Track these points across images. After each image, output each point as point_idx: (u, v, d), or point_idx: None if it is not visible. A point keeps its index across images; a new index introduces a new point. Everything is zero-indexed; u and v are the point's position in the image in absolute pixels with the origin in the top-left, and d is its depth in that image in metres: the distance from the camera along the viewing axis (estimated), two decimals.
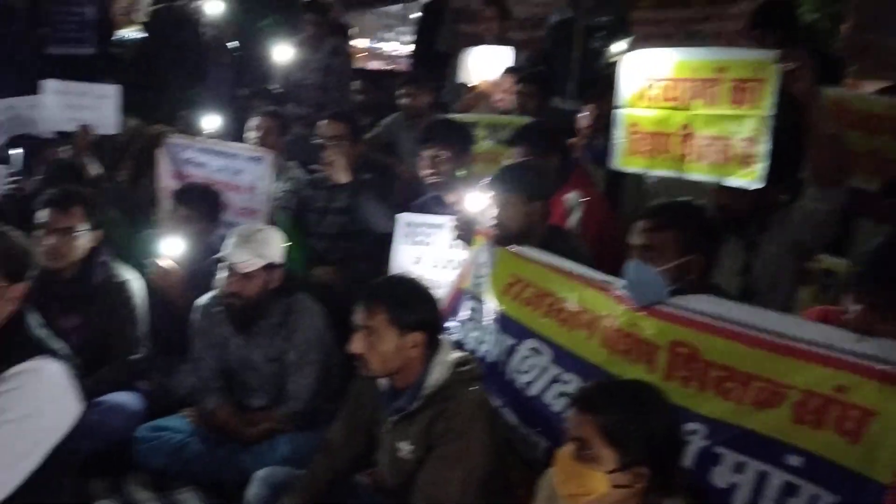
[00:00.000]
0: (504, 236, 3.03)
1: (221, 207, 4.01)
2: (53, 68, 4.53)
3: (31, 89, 4.46)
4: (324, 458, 2.73)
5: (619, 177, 3.94)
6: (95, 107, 4.30)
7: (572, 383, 2.59)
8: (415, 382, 2.46)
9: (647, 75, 3.08)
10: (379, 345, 2.42)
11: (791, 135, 2.85)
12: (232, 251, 3.21)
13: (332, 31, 6.30)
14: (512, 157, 3.72)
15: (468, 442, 2.39)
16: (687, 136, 2.93)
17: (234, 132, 4.89)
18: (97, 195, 3.62)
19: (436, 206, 3.75)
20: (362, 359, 2.45)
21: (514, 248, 3.00)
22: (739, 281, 3.00)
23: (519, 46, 5.72)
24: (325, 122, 4.30)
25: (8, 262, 2.17)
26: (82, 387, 2.25)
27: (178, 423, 3.34)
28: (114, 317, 3.38)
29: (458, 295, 3.20)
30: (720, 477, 2.11)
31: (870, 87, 4.29)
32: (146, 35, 5.93)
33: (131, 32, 6.08)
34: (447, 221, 3.46)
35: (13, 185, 4.04)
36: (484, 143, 4.49)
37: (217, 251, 3.32)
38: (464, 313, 3.13)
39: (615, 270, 2.60)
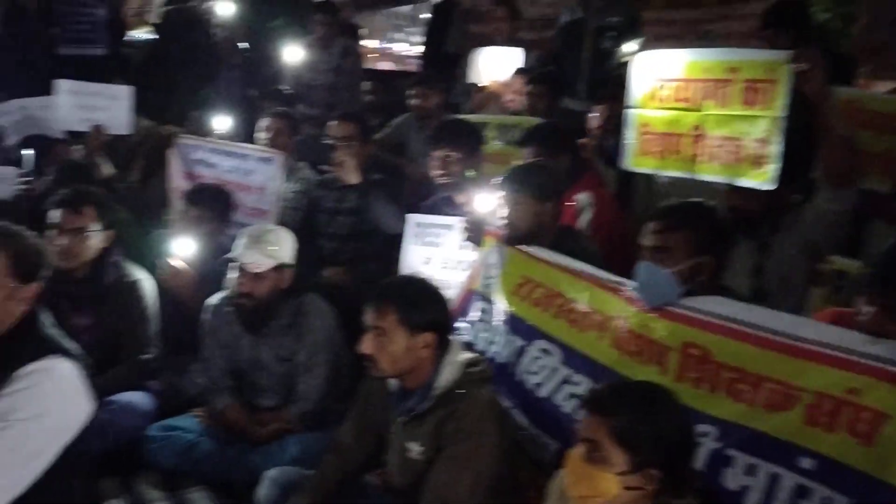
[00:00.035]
0: (514, 236, 3.03)
1: (233, 208, 4.02)
2: (65, 69, 4.55)
3: (43, 90, 4.48)
4: (333, 458, 2.73)
5: (630, 177, 3.93)
6: (108, 107, 4.32)
7: (582, 385, 2.59)
8: (425, 383, 2.46)
9: (658, 76, 3.07)
10: (389, 345, 2.42)
11: (803, 135, 2.84)
12: (243, 252, 3.22)
13: (343, 32, 6.31)
14: (522, 157, 3.71)
15: (478, 443, 2.38)
16: (698, 137, 2.92)
17: (245, 133, 4.90)
18: (109, 195, 3.63)
19: (446, 206, 3.75)
20: (372, 359, 2.45)
21: (525, 249, 3.00)
22: (751, 282, 2.99)
23: (529, 47, 5.71)
24: (336, 122, 4.31)
25: (21, 263, 2.19)
26: (93, 386, 2.27)
27: (189, 422, 3.35)
28: (125, 316, 3.39)
29: (468, 296, 3.20)
30: (732, 479, 2.10)
31: (882, 87, 4.26)
32: (157, 36, 5.95)
33: (142, 33, 6.10)
34: (457, 222, 3.46)
35: (24, 186, 4.05)
36: (494, 144, 4.48)
37: (228, 251, 3.33)
38: (474, 314, 3.13)
39: (626, 271, 2.59)
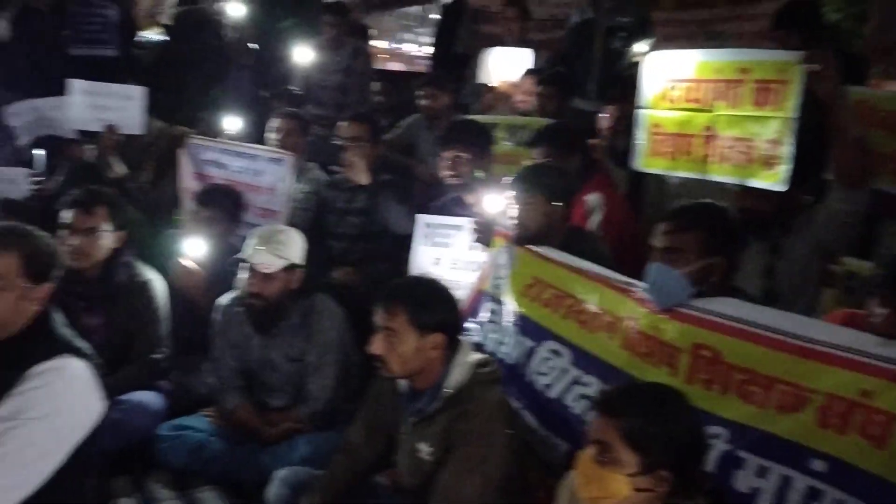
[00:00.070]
0: (525, 237, 3.02)
1: (243, 208, 4.03)
2: (76, 69, 4.57)
3: (54, 90, 4.50)
4: (343, 458, 2.74)
5: (641, 178, 3.92)
6: (121, 107, 4.33)
7: (592, 386, 2.58)
8: (435, 384, 2.46)
9: (669, 76, 3.06)
10: (399, 346, 2.42)
11: (814, 135, 2.83)
12: (253, 252, 3.23)
13: (353, 33, 6.31)
14: (532, 158, 3.71)
15: (488, 444, 2.38)
16: (710, 138, 2.91)
17: (255, 133, 4.91)
18: (121, 195, 3.64)
19: (455, 207, 3.75)
20: (382, 360, 2.45)
21: (534, 249, 3.00)
22: (762, 283, 2.98)
23: (539, 47, 5.71)
24: (346, 123, 4.31)
25: (33, 263, 2.20)
26: (104, 385, 2.28)
27: (199, 422, 3.36)
28: (136, 316, 3.40)
29: (478, 296, 3.20)
30: (743, 481, 2.09)
31: (894, 86, 4.23)
32: (168, 37, 5.97)
33: (154, 34, 6.12)
34: (467, 223, 3.47)
35: (36, 186, 4.07)
36: (504, 145, 4.49)
37: (238, 252, 3.34)
38: (483, 315, 3.13)
39: (636, 272, 2.58)
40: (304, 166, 4.51)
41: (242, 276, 3.29)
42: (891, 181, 3.32)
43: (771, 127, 2.71)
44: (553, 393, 2.71)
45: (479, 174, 3.72)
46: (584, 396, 2.59)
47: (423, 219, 3.66)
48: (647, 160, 3.18)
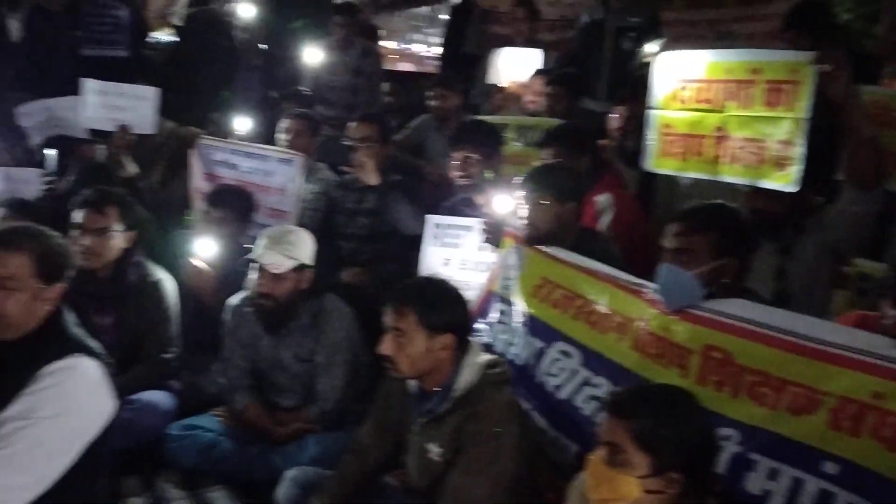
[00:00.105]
0: (535, 237, 3.02)
1: (254, 209, 4.04)
2: (87, 70, 4.59)
3: (66, 91, 4.53)
4: (352, 458, 2.74)
5: (652, 178, 3.90)
6: (134, 107, 4.35)
7: (602, 387, 2.58)
8: (444, 384, 2.46)
9: (680, 76, 3.06)
10: (408, 346, 2.42)
11: (826, 136, 2.81)
12: (263, 252, 3.24)
13: (362, 33, 6.32)
14: (542, 159, 3.70)
15: (497, 445, 2.38)
16: (721, 139, 2.90)
17: (265, 134, 4.92)
18: (132, 195, 3.66)
19: (465, 207, 3.75)
20: (392, 360, 2.45)
21: (544, 250, 2.99)
22: (774, 285, 2.96)
23: (548, 48, 5.70)
24: (355, 123, 4.32)
25: (46, 263, 2.21)
26: (115, 385, 2.28)
27: (209, 421, 3.37)
28: (147, 316, 3.42)
29: (488, 297, 3.20)
30: (754, 483, 2.08)
31: None
32: (179, 38, 5.99)
33: (165, 35, 6.14)
34: (476, 223, 3.46)
35: (48, 186, 4.09)
36: (513, 145, 4.48)
37: (248, 252, 3.35)
38: (493, 315, 3.13)
39: (646, 273, 2.57)
40: (314, 167, 4.51)
41: (252, 276, 3.30)
42: None
43: (782, 128, 2.70)
44: (563, 394, 2.70)
45: (488, 175, 3.72)
46: (594, 398, 2.58)
47: (432, 219, 3.66)
48: (657, 161, 3.18)
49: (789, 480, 2.03)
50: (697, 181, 3.31)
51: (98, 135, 4.49)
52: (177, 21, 6.08)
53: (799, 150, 2.66)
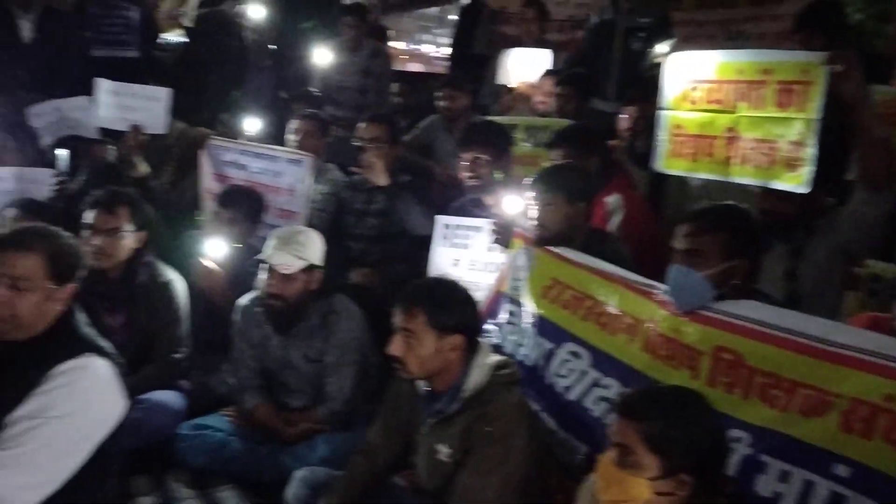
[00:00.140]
0: (545, 238, 3.02)
1: (264, 210, 4.05)
2: (98, 71, 4.60)
3: (76, 91, 4.54)
4: (362, 459, 2.74)
5: (662, 179, 3.89)
6: (146, 108, 4.37)
7: (612, 388, 2.57)
8: (453, 385, 2.46)
9: (690, 77, 3.05)
10: (418, 347, 2.42)
11: (837, 136, 2.80)
12: (272, 253, 3.24)
13: (371, 34, 6.33)
14: (551, 159, 3.70)
15: (507, 446, 2.38)
16: (732, 139, 2.89)
17: (275, 135, 4.93)
18: (144, 195, 3.67)
19: (474, 208, 3.75)
20: (401, 361, 2.45)
21: (554, 250, 2.99)
22: (785, 286, 2.95)
23: (558, 48, 5.69)
24: (364, 124, 4.32)
25: (57, 264, 2.22)
26: (125, 385, 2.29)
27: (219, 421, 3.38)
28: (157, 316, 3.42)
29: (497, 298, 3.20)
30: (765, 486, 2.08)
31: None
32: (189, 39, 6.01)
33: (175, 36, 6.16)
34: (485, 224, 3.46)
35: (59, 187, 4.11)
36: (523, 146, 4.47)
37: (258, 253, 3.36)
38: (502, 316, 3.12)
39: (656, 274, 2.57)
40: (323, 167, 4.52)
41: (262, 276, 3.31)
42: None
43: (794, 128, 2.68)
44: (572, 395, 2.70)
45: (498, 175, 3.72)
46: (603, 399, 2.58)
47: (441, 220, 3.66)
48: (668, 161, 3.17)
49: (800, 483, 2.02)
50: (708, 182, 3.30)
51: (109, 135, 4.51)
52: (187, 22, 6.09)
53: (810, 151, 2.64)
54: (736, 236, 2.47)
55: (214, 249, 3.65)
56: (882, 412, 1.93)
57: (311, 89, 5.66)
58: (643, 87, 4.23)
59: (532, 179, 3.09)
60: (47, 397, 2.08)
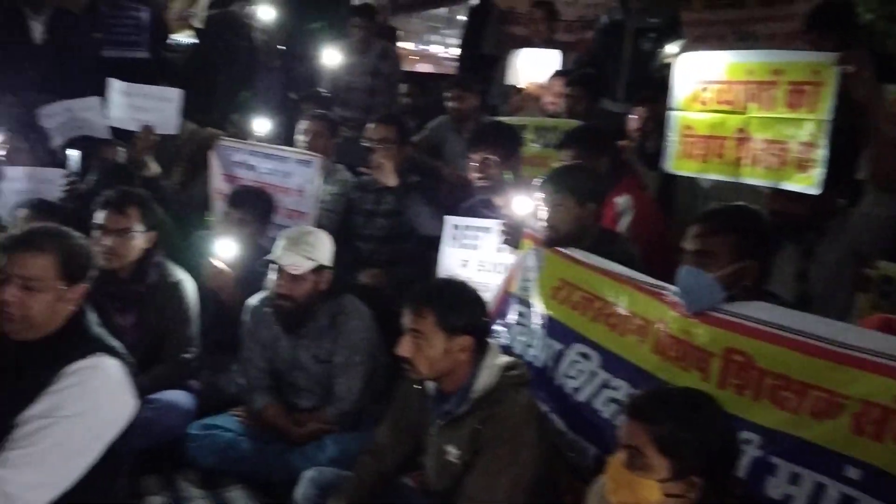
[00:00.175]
0: (555, 239, 3.01)
1: (274, 210, 4.06)
2: (108, 71, 4.62)
3: (87, 92, 4.56)
4: (370, 459, 2.74)
5: (672, 180, 3.88)
6: (158, 109, 4.38)
7: (622, 389, 2.57)
8: (462, 386, 2.46)
9: (700, 78, 3.05)
10: (427, 348, 2.43)
11: (848, 137, 2.79)
12: (282, 253, 3.25)
13: (380, 35, 6.34)
14: (561, 160, 3.69)
15: (516, 447, 2.37)
16: (742, 140, 2.88)
17: (284, 135, 4.94)
18: (154, 196, 3.68)
19: (484, 209, 3.74)
20: (410, 362, 2.45)
21: (563, 251, 2.98)
22: (796, 288, 2.94)
23: (567, 49, 5.69)
24: (373, 125, 4.32)
25: (69, 264, 2.23)
26: (136, 385, 2.30)
27: (229, 421, 3.39)
28: (167, 316, 3.44)
29: (506, 298, 3.19)
30: (775, 488, 2.07)
31: None
32: (199, 40, 6.03)
33: (185, 37, 6.19)
34: (495, 225, 3.46)
35: (70, 187, 4.13)
36: (532, 147, 4.47)
37: (268, 253, 3.36)
38: (511, 317, 3.12)
39: (666, 275, 2.56)
40: (332, 168, 4.52)
41: (271, 277, 3.31)
42: None
43: (805, 129, 2.68)
44: (582, 396, 2.69)
45: (507, 176, 3.71)
46: (613, 400, 2.58)
47: (450, 220, 3.66)
48: (678, 162, 3.16)
49: (811, 485, 2.01)
50: (718, 183, 3.29)
51: (119, 135, 4.53)
52: (197, 23, 6.12)
53: (821, 152, 2.64)
54: (746, 237, 2.46)
55: (224, 250, 3.66)
56: (893, 414, 1.92)
57: (321, 90, 5.67)
58: (653, 87, 4.21)
59: (541, 180, 3.09)
60: (59, 397, 2.09)
